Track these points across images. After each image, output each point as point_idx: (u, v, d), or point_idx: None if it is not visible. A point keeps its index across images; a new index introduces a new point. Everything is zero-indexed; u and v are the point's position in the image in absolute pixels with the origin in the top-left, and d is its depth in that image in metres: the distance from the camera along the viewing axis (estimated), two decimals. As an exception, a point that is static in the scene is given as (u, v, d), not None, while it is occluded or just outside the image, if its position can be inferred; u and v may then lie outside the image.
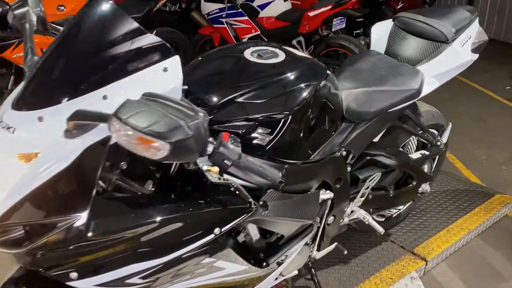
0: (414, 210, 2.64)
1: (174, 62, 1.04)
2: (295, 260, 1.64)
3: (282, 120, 1.31)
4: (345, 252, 1.94)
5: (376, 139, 1.95)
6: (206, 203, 1.18)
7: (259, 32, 4.58)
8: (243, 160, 1.19)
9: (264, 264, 1.43)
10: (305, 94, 1.36)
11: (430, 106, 2.24)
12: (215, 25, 4.75)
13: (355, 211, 1.93)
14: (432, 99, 2.07)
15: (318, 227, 1.79)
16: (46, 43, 4.05)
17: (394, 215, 2.46)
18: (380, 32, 2.04)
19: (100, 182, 1.16)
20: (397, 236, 2.45)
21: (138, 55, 1.02)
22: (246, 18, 4.55)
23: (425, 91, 1.87)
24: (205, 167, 1.12)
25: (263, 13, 4.53)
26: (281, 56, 1.44)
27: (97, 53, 1.01)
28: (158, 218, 1.12)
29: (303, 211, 1.47)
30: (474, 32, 1.95)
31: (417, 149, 2.26)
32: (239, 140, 1.19)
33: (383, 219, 2.41)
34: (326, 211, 1.76)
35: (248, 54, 1.42)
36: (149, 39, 1.06)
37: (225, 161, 1.16)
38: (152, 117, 0.85)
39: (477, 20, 2.00)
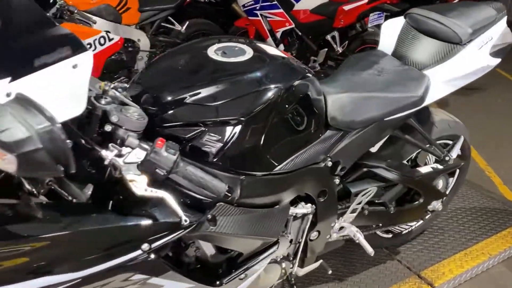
0: (430, 228, 2.40)
1: (85, 59, 0.93)
2: (263, 278, 1.50)
3: (234, 126, 1.17)
4: (330, 272, 1.77)
5: (374, 149, 1.76)
6: (134, 215, 1.08)
7: (293, 26, 4.40)
8: (181, 170, 1.07)
9: (218, 282, 1.31)
10: (263, 98, 1.21)
11: (447, 114, 1.99)
12: (250, 17, 4.62)
13: (345, 227, 1.75)
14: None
15: (299, 243, 1.64)
16: (77, 31, 4.12)
17: (404, 232, 2.24)
18: (391, 30, 1.82)
19: (27, 186, 1.09)
20: (405, 256, 2.23)
21: (47, 49, 0.92)
22: (281, 10, 4.37)
23: (432, 98, 1.65)
24: (129, 177, 1.01)
25: (298, 6, 4.34)
26: (248, 54, 1.29)
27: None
28: (79, 228, 1.03)
29: (265, 227, 1.33)
30: (497, 33, 1.69)
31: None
32: (178, 146, 1.07)
33: (390, 236, 2.20)
34: (307, 226, 1.60)
35: (212, 51, 1.29)
36: (59, 31, 0.96)
37: (158, 170, 1.05)
38: (3, 123, 0.75)
39: (504, 19, 1.73)
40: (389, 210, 1.88)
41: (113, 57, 4.07)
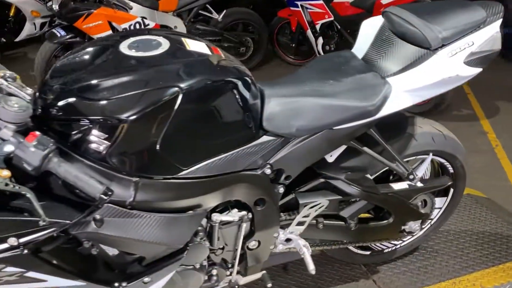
0: (423, 249, 2.18)
1: None
2: (180, 284, 1.45)
3: (120, 125, 1.11)
4: (269, 285, 1.66)
5: (330, 160, 1.62)
6: (4, 209, 1.07)
7: (332, 18, 4.21)
8: (54, 167, 1.04)
9: (117, 284, 1.28)
10: (156, 97, 1.13)
11: (435, 127, 1.77)
12: (291, 8, 4.49)
13: (292, 239, 1.64)
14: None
15: (236, 250, 1.56)
16: (113, 16, 4.24)
17: (386, 250, 2.06)
18: (369, 30, 1.64)
19: None
20: (383, 276, 2.05)
21: None
22: (321, 2, 4.20)
23: (391, 108, 1.46)
24: None
25: (338, -2, 4.15)
26: (161, 49, 1.22)
27: None
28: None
29: (167, 233, 1.26)
30: (482, 39, 1.45)
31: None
32: (52, 142, 1.04)
33: (367, 253, 2.03)
34: (242, 234, 1.52)
35: (126, 44, 1.24)
36: None
37: (26, 166, 1.03)
38: None
39: (496, 23, 1.48)
40: (350, 226, 1.72)
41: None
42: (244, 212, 1.48)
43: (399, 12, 1.52)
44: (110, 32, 4.02)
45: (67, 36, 3.98)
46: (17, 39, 5.24)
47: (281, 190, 1.52)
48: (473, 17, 1.47)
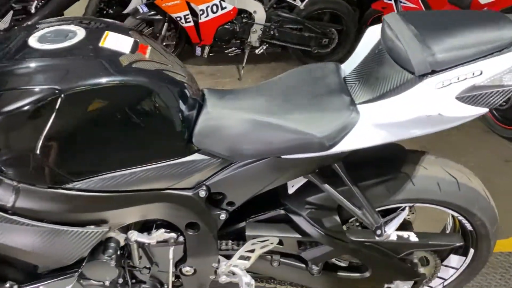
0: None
1: None
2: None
3: None
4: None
5: (291, 190, 1.36)
6: None
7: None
8: None
9: (8, 285, 1.22)
10: (35, 97, 1.00)
11: (450, 169, 1.38)
12: (385, 0, 4.03)
13: (236, 273, 1.42)
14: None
15: (167, 273, 1.41)
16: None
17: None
18: (370, 40, 1.32)
19: None
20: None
21: None
22: (416, -5, 3.68)
23: (352, 144, 1.15)
24: None
25: (435, -8, 3.59)
26: (69, 43, 1.09)
27: None
28: None
29: (49, 245, 1.15)
30: (496, 68, 1.04)
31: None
32: None
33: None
34: (171, 257, 1.36)
35: (38, 34, 1.12)
36: None
37: None
38: None
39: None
40: (312, 272, 1.45)
41: (226, 26, 4.08)
42: (173, 235, 1.32)
43: (396, 21, 1.17)
44: (187, 12, 4.02)
45: (149, 13, 4.09)
46: (125, 12, 5.56)
47: (223, 216, 1.31)
48: (496, 36, 1.07)
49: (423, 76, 1.08)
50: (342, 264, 1.49)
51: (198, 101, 1.22)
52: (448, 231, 1.61)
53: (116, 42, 1.13)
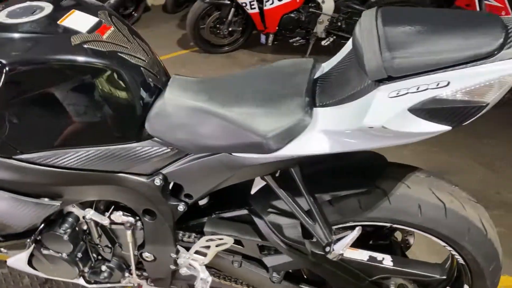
0: None
1: None
2: (49, 267, 1.39)
3: None
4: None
5: (252, 191, 1.29)
6: None
7: (510, 16, 3.25)
8: None
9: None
10: None
11: (439, 192, 1.20)
12: (469, -4, 3.65)
13: (195, 268, 1.38)
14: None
15: (129, 255, 1.42)
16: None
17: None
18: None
19: None
20: None
21: None
22: (502, -6, 3.29)
23: (297, 149, 1.03)
24: None
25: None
26: (28, 19, 1.09)
27: None
28: None
29: (3, 212, 1.20)
30: (466, 80, 0.86)
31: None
32: None
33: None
34: (131, 241, 1.36)
35: (9, 9, 1.13)
36: None
37: None
38: None
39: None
40: (271, 279, 1.36)
41: (291, 14, 4.00)
42: (130, 219, 1.32)
43: (368, 18, 1.03)
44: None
45: (217, -2, 4.14)
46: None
47: (181, 208, 1.28)
48: (477, 43, 0.89)
49: (380, 82, 0.94)
50: (305, 276, 1.38)
51: (158, 87, 1.19)
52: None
53: (76, 21, 1.13)
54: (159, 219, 1.29)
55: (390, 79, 0.92)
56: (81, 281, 1.45)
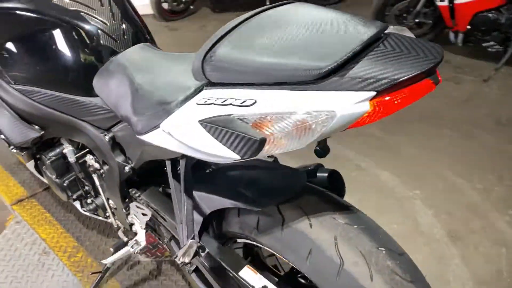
0: None
1: None
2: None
3: None
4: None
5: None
6: None
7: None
8: None
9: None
10: None
11: (349, 244, 0.95)
12: None
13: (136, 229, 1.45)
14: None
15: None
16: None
17: None
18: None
19: None
20: None
21: None
22: None
23: (154, 139, 0.97)
24: None
25: None
26: None
27: None
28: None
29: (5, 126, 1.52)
30: (275, 103, 0.66)
31: None
32: None
33: None
34: (98, 184, 1.51)
35: None
36: None
37: None
38: None
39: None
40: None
41: (488, 14, 3.37)
42: (96, 164, 1.47)
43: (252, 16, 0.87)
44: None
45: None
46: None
47: (126, 169, 1.36)
48: (308, 62, 0.69)
49: (208, 85, 0.80)
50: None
51: (114, 50, 1.27)
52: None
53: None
54: (110, 173, 1.40)
55: (208, 84, 0.79)
56: (77, 205, 1.69)
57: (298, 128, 0.65)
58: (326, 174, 1.20)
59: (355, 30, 0.70)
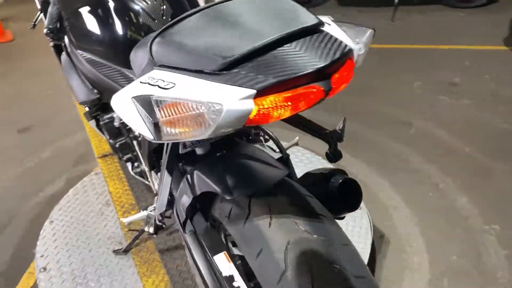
0: None
1: None
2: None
3: None
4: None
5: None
6: None
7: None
8: None
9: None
10: None
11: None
12: None
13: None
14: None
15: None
16: None
17: None
18: None
19: None
20: None
21: None
22: None
23: None
24: None
25: None
26: None
27: None
28: None
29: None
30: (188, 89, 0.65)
31: None
32: None
33: None
34: (138, 150, 1.64)
35: None
36: None
37: None
38: None
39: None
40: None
41: None
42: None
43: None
44: None
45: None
46: None
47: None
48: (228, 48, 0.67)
49: (156, 66, 0.82)
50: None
51: (151, 29, 1.35)
52: None
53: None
54: (144, 141, 1.50)
55: (160, 66, 0.82)
56: (129, 166, 1.84)
57: (191, 116, 0.63)
58: (339, 182, 1.13)
59: (282, 23, 0.65)
